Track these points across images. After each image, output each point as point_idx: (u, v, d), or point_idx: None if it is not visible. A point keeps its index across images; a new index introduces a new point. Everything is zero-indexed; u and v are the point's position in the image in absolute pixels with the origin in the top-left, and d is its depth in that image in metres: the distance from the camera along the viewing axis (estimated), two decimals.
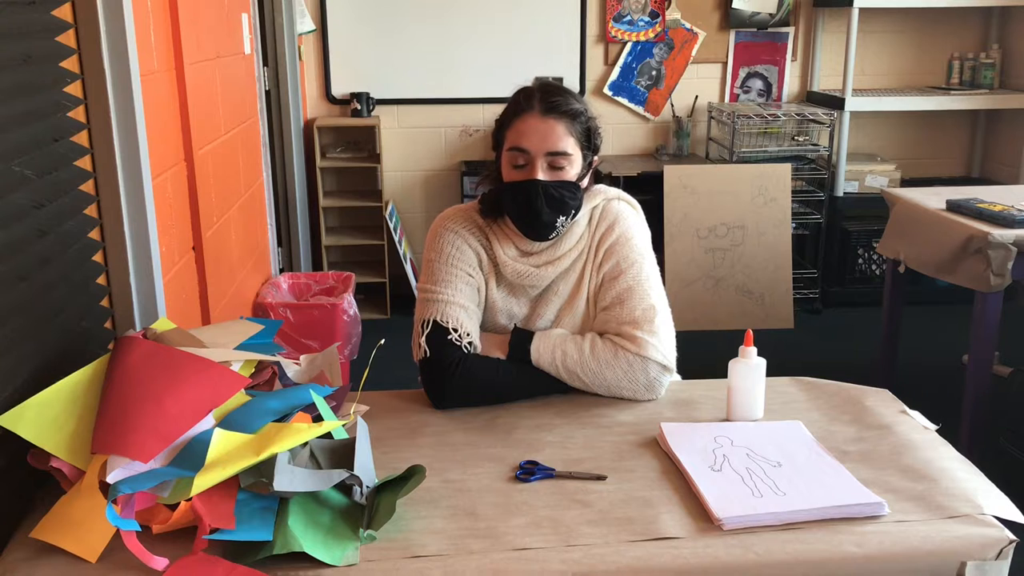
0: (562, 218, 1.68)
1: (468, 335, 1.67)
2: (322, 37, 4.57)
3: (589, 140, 1.70)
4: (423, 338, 1.67)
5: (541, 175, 1.64)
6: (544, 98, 1.65)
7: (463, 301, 1.70)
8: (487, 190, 1.77)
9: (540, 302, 1.76)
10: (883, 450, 1.47)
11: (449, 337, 1.66)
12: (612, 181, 4.23)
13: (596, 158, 1.75)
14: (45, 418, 1.28)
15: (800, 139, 4.60)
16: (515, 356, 1.68)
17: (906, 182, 4.66)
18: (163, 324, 1.56)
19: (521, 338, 1.69)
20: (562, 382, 1.67)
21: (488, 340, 1.72)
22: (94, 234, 1.84)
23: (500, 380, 1.66)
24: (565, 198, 1.66)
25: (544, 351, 1.67)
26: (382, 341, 1.69)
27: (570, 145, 1.65)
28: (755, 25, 4.75)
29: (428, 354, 1.65)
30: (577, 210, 1.71)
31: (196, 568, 1.15)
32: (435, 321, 1.67)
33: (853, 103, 4.45)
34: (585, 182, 1.73)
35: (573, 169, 1.67)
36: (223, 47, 2.94)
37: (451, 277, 1.71)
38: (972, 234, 2.77)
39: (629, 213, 1.79)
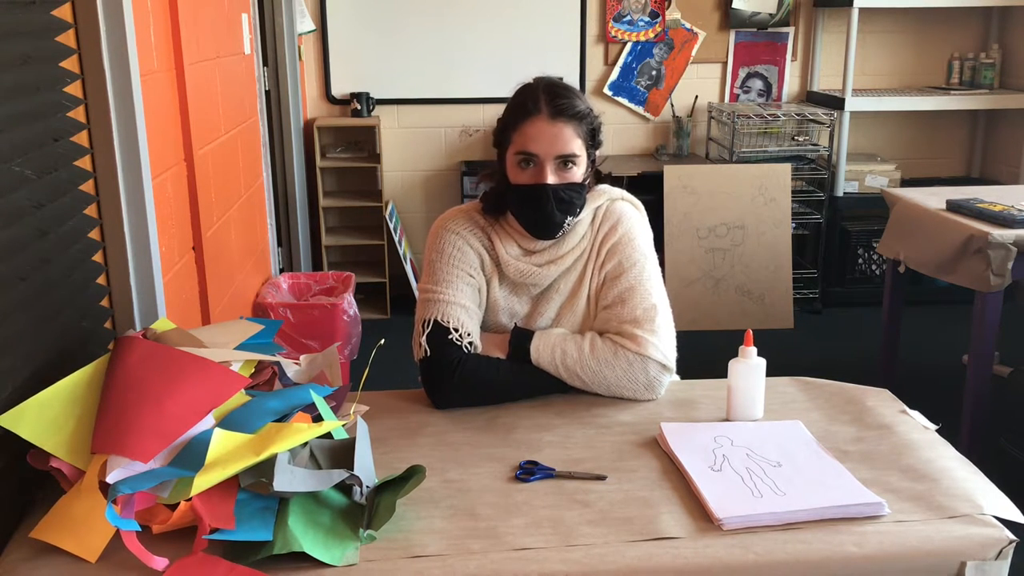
0: (570, 218, 1.70)
1: (469, 335, 1.67)
2: (322, 37, 4.57)
3: (594, 139, 1.71)
4: (424, 338, 1.67)
5: (551, 178, 1.65)
6: (551, 101, 1.65)
7: (464, 301, 1.70)
8: (488, 188, 1.77)
9: (541, 300, 1.76)
10: (883, 450, 1.48)
11: (450, 337, 1.66)
12: (612, 181, 4.23)
13: (598, 154, 1.76)
14: (45, 418, 1.27)
15: (800, 139, 4.60)
16: (515, 355, 1.68)
17: (906, 182, 4.66)
18: (163, 324, 1.56)
19: (521, 337, 1.69)
20: (562, 381, 1.68)
21: (488, 340, 1.72)
22: (94, 234, 1.84)
23: (500, 380, 1.66)
24: (573, 199, 1.68)
25: (544, 350, 1.67)
26: (382, 341, 1.69)
27: (578, 147, 1.66)
28: (755, 25, 4.75)
29: (428, 354, 1.66)
30: (581, 207, 1.72)
31: (196, 568, 1.15)
32: (436, 321, 1.67)
33: (853, 103, 4.45)
34: (588, 179, 1.74)
35: (580, 169, 1.68)
36: (223, 47, 2.94)
37: (452, 277, 1.71)
38: (972, 234, 2.77)
39: (632, 213, 1.80)
